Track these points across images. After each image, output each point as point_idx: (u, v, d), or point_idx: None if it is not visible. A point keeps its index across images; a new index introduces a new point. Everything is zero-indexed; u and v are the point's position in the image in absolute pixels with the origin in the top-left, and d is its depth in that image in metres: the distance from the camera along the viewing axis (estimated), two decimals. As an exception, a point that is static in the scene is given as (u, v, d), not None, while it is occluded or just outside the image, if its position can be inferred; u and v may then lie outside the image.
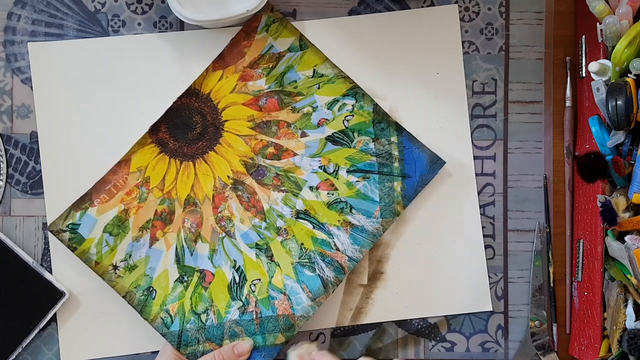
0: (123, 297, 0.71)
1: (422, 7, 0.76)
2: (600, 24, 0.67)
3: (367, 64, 0.75)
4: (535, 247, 0.76)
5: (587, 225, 0.72)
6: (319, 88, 0.74)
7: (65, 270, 0.73)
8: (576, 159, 0.72)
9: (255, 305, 0.72)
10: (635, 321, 0.66)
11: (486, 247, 0.76)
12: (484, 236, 0.76)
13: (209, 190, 0.74)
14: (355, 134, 0.74)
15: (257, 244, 0.73)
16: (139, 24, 0.75)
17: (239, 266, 0.73)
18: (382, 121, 0.74)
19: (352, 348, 0.75)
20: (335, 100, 0.74)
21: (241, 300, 0.72)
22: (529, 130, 0.77)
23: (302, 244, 0.73)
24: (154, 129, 0.73)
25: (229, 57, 0.74)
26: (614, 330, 0.67)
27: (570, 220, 0.76)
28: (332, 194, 0.74)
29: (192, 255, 0.73)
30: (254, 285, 0.73)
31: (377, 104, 0.74)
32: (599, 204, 0.67)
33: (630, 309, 0.66)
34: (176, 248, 0.73)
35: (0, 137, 0.74)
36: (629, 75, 0.66)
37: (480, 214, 0.76)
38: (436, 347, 0.75)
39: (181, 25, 0.75)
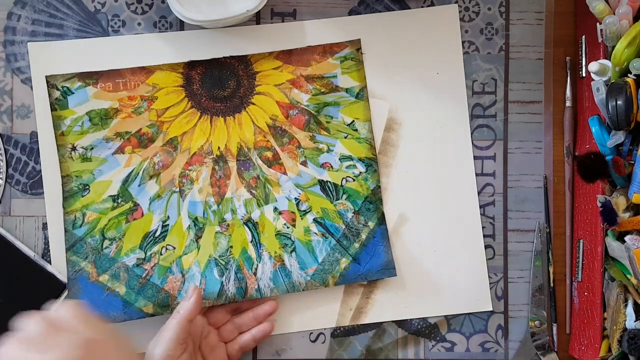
0: (62, 177, 0.72)
1: (422, 7, 0.76)
2: (600, 24, 0.67)
3: (366, 64, 0.75)
4: (535, 247, 0.76)
5: (587, 225, 0.72)
6: (345, 138, 0.74)
7: (65, 270, 0.73)
8: (576, 159, 0.72)
9: (152, 267, 0.72)
10: (635, 321, 0.66)
11: (486, 247, 0.76)
12: (484, 236, 0.76)
13: (194, 146, 0.73)
14: (344, 196, 0.74)
15: (196, 218, 0.73)
16: (139, 24, 0.75)
17: (168, 224, 0.73)
18: (372, 203, 0.74)
19: (352, 348, 0.75)
20: (350, 158, 0.74)
21: (145, 253, 0.72)
22: (529, 130, 0.77)
23: (231, 246, 0.73)
24: (192, 64, 0.73)
25: (296, 58, 0.74)
26: (614, 330, 0.67)
27: (570, 220, 0.76)
28: (288, 227, 0.73)
29: (139, 186, 0.73)
30: (166, 249, 0.72)
31: (380, 186, 0.74)
32: (599, 204, 0.67)
33: (630, 309, 0.66)
34: (132, 171, 0.73)
35: (0, 137, 0.74)
36: (629, 75, 0.66)
37: (480, 214, 0.76)
38: (436, 347, 0.75)
39: (181, 25, 0.75)
